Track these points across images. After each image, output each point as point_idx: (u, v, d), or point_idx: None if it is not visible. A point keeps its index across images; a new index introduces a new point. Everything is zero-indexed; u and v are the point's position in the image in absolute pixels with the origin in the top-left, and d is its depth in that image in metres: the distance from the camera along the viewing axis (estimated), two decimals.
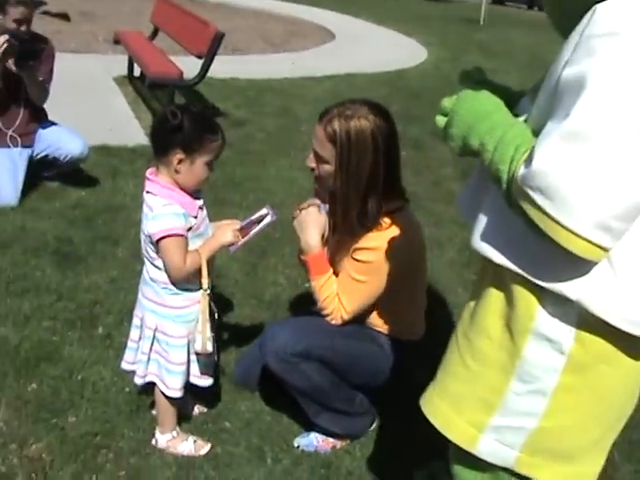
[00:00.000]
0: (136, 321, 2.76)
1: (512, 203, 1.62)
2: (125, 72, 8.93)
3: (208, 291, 2.61)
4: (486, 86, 1.85)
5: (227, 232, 2.65)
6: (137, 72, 8.59)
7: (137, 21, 12.58)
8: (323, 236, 2.79)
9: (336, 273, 2.77)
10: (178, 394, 2.73)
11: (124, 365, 2.83)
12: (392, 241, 2.61)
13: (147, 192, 2.58)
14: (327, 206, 2.80)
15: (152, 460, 2.78)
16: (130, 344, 2.80)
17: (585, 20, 1.52)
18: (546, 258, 1.64)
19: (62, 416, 2.95)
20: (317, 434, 2.95)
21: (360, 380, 2.83)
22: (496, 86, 1.89)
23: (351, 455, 2.93)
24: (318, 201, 2.80)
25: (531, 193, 1.51)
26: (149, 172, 2.60)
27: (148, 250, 2.61)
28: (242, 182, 5.68)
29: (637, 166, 1.44)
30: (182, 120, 2.48)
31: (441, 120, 1.86)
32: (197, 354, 2.69)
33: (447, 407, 1.98)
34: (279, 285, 4.18)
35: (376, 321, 2.81)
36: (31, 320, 3.58)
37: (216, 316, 2.72)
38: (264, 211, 2.73)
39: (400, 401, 2.97)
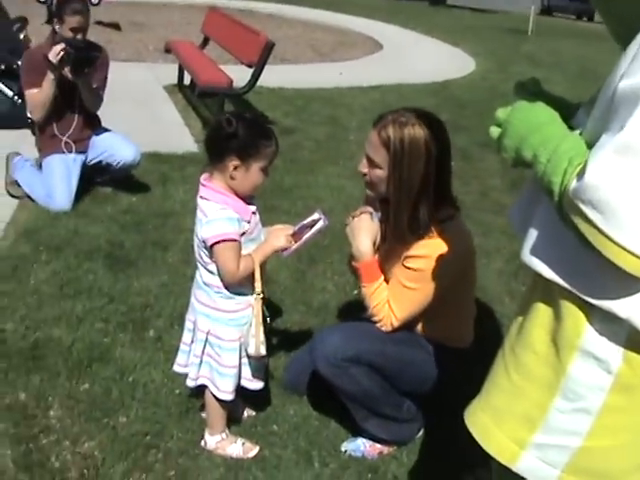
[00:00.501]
0: (189, 324, 2.80)
1: (564, 216, 1.60)
2: (175, 81, 9.05)
3: (261, 295, 2.64)
4: (541, 97, 1.84)
5: (280, 237, 2.68)
6: (187, 80, 8.70)
7: (187, 31, 12.77)
8: (374, 243, 2.80)
9: (387, 280, 2.78)
10: (229, 397, 2.76)
11: (176, 368, 2.87)
12: (443, 249, 2.62)
13: (201, 197, 2.62)
14: (379, 214, 2.81)
15: (200, 461, 2.81)
16: (182, 347, 2.83)
17: None
18: (597, 275, 1.62)
19: (113, 416, 3.00)
20: (364, 439, 2.96)
21: (409, 387, 2.84)
22: (552, 97, 1.87)
23: (398, 461, 2.93)
24: (370, 209, 2.82)
25: (582, 207, 1.49)
26: (203, 178, 2.64)
27: (202, 255, 2.65)
28: (291, 189, 5.73)
29: None
30: (237, 127, 2.52)
31: (495, 131, 1.84)
32: (249, 357, 2.72)
33: (489, 420, 1.95)
34: (328, 292, 4.20)
35: (425, 328, 2.82)
36: (84, 322, 3.65)
37: (268, 320, 2.74)
38: (316, 216, 2.75)
39: (446, 409, 2.97)
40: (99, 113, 5.34)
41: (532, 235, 1.78)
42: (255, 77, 7.13)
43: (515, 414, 1.87)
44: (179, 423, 3.00)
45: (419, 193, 2.60)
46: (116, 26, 14.46)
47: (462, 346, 2.89)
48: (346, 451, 2.95)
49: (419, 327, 2.83)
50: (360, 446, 2.95)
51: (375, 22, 20.17)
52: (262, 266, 2.66)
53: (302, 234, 2.73)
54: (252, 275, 2.63)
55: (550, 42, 18.06)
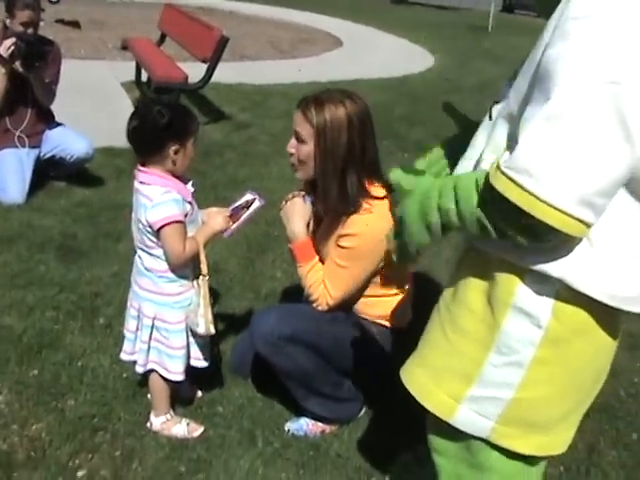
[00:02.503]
0: (132, 312, 2.86)
1: (498, 230, 1.66)
2: (133, 77, 9.08)
3: (207, 277, 2.73)
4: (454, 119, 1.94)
5: (219, 219, 2.77)
6: (145, 77, 8.73)
7: (146, 28, 12.76)
8: (308, 225, 2.90)
9: (324, 262, 2.87)
10: (180, 377, 2.84)
11: (123, 356, 2.94)
12: (373, 227, 2.70)
13: (141, 183, 2.68)
14: (312, 197, 2.90)
15: (146, 441, 2.89)
16: (128, 335, 2.89)
17: (562, 4, 1.59)
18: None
19: (61, 399, 3.07)
20: (307, 419, 3.05)
21: (346, 365, 2.92)
22: (460, 117, 1.98)
23: (339, 439, 3.02)
24: (303, 192, 2.91)
25: (516, 176, 1.55)
26: (138, 166, 2.71)
27: (145, 240, 2.71)
28: (244, 181, 5.80)
29: (613, 145, 1.50)
30: (169, 115, 2.60)
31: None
32: (198, 336, 2.81)
33: (426, 377, 2.02)
34: (276, 280, 4.29)
35: (362, 308, 2.91)
36: (34, 310, 3.71)
37: (211, 300, 2.83)
38: (249, 196, 2.85)
39: (388, 388, 3.06)
40: (55, 109, 5.38)
41: None
42: (210, 72, 7.20)
43: (452, 370, 1.95)
44: (126, 406, 3.07)
45: (345, 163, 2.68)
46: (76, 24, 14.41)
47: (401, 325, 2.97)
48: (289, 430, 3.03)
49: (356, 306, 2.91)
50: (303, 425, 3.04)
51: (336, 19, 20.25)
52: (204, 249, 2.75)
53: (239, 214, 2.82)
54: (196, 257, 2.71)
55: (510, 38, 18.22)
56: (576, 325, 1.78)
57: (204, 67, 7.38)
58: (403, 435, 2.94)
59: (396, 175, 1.88)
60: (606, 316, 1.77)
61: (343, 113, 2.65)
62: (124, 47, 9.69)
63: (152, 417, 2.96)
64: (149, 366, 2.86)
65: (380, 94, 9.47)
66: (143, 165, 2.69)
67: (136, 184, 2.70)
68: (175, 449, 2.87)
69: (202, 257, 2.71)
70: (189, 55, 8.36)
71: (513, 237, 1.64)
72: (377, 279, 2.84)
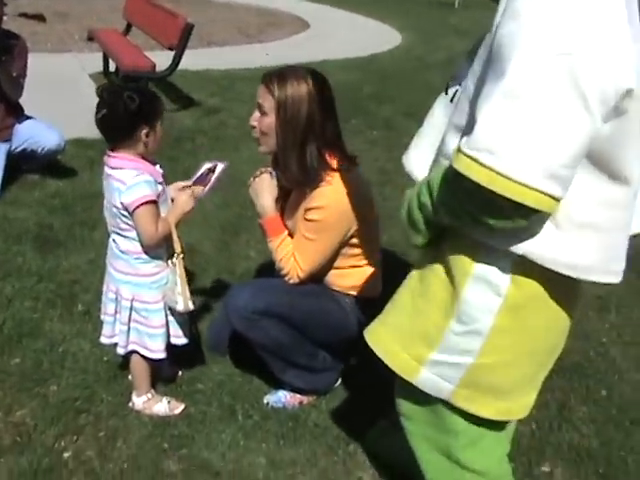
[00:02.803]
0: (110, 295, 2.91)
1: (470, 215, 1.72)
2: (101, 68, 9.07)
3: (182, 255, 2.80)
4: None
5: (188, 200, 2.83)
6: (113, 68, 8.73)
7: (112, 18, 12.71)
8: (278, 200, 2.97)
9: (294, 236, 2.95)
10: (162, 355, 2.92)
11: (103, 339, 2.99)
12: (337, 199, 2.78)
13: (112, 168, 2.73)
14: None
15: (129, 420, 2.97)
16: (107, 318, 2.95)
17: None
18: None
19: (44, 385, 3.14)
20: (285, 391, 3.13)
21: (320, 336, 3.00)
22: None
23: (317, 409, 3.12)
24: (270, 169, 2.99)
25: (478, 156, 1.58)
26: (108, 152, 2.76)
27: (119, 223, 2.77)
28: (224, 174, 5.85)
29: (572, 115, 1.53)
30: (138, 100, 2.66)
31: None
32: (178, 314, 2.89)
33: (391, 338, 2.10)
34: (251, 259, 4.37)
35: (333, 280, 2.99)
36: (13, 301, 3.77)
37: (188, 278, 2.89)
38: (208, 164, 2.95)
39: (362, 357, 3.15)
40: (24, 104, 5.39)
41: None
42: (177, 59, 7.23)
43: (416, 333, 2.03)
44: (108, 387, 3.15)
45: (304, 135, 2.75)
46: (41, 17, 14.30)
47: (372, 295, 3.04)
48: (268, 403, 3.12)
49: (328, 279, 2.99)
50: (281, 397, 3.13)
51: (303, 2, 20.20)
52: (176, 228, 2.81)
53: (207, 179, 2.89)
54: (169, 237, 2.78)
55: (476, 13, 18.24)
56: (534, 291, 1.85)
57: (171, 55, 7.39)
58: (379, 403, 3.00)
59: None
60: (563, 282, 1.82)
61: (304, 87, 2.72)
62: (90, 38, 9.68)
63: (134, 397, 3.03)
64: (130, 347, 2.92)
65: (348, 74, 9.53)
66: (112, 151, 2.75)
67: (107, 170, 2.75)
68: (158, 427, 2.94)
69: (174, 236, 2.77)
70: (156, 43, 8.37)
71: (485, 221, 1.67)
72: (346, 250, 2.91)
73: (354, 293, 3.01)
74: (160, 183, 2.79)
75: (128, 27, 9.50)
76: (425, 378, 2.02)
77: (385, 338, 2.12)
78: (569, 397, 3.30)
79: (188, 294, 2.80)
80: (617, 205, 1.74)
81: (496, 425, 2.10)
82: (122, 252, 2.83)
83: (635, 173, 1.71)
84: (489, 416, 2.03)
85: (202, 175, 2.93)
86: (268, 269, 4.12)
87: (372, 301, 3.03)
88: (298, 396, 3.13)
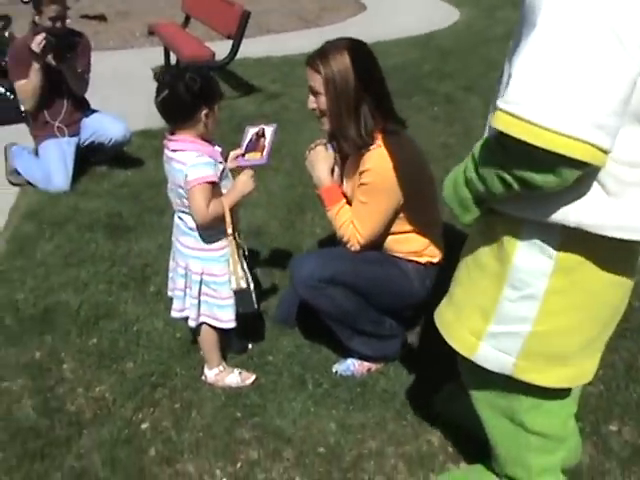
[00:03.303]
0: (180, 270, 3.00)
1: (519, 180, 1.66)
2: (162, 62, 9.22)
3: (232, 236, 2.86)
4: None
5: (247, 181, 2.88)
6: (174, 60, 8.87)
7: (171, 13, 12.87)
8: (333, 171, 3.04)
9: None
10: (232, 324, 3.01)
11: (174, 313, 3.10)
12: (387, 160, 2.82)
13: (173, 150, 2.82)
14: (334, 144, 3.04)
15: (203, 393, 3.08)
16: (177, 293, 3.05)
17: None
18: (542, 198, 1.72)
19: (121, 362, 3.28)
20: (353, 359, 3.20)
21: (385, 302, 3.06)
22: None
23: (385, 376, 3.18)
24: (324, 140, 3.05)
25: (521, 113, 1.53)
26: (168, 136, 2.86)
27: (186, 202, 2.85)
28: (279, 148, 5.91)
29: (613, 60, 1.48)
30: (199, 81, 2.75)
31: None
32: (234, 292, 2.96)
33: (451, 314, 2.13)
34: (316, 235, 4.43)
35: (393, 245, 3.03)
36: (89, 285, 3.92)
37: (246, 253, 2.99)
38: (254, 129, 3.00)
39: (429, 323, 3.18)
40: (91, 100, 5.57)
41: None
42: (235, 47, 7.31)
43: (471, 306, 2.04)
44: (181, 362, 3.26)
45: (356, 101, 2.80)
46: (102, 17, 14.60)
47: (434, 260, 3.08)
48: (337, 372, 3.19)
49: (388, 245, 3.04)
50: (350, 366, 3.20)
51: None
52: (233, 209, 2.87)
53: (260, 144, 2.94)
54: (224, 218, 2.85)
55: None
56: (585, 254, 1.82)
57: (230, 43, 7.48)
58: (446, 368, 3.02)
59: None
60: (615, 245, 1.78)
61: (346, 57, 2.78)
62: (150, 33, 9.84)
63: (206, 370, 3.14)
64: (201, 319, 3.02)
65: (408, 52, 9.52)
66: (172, 134, 2.84)
67: (168, 153, 2.85)
68: (230, 397, 3.04)
69: (227, 219, 2.83)
70: (215, 34, 8.47)
71: (534, 182, 1.62)
72: (402, 215, 2.95)
73: (416, 258, 3.05)
74: (220, 162, 2.87)
75: (187, 19, 9.62)
76: (484, 353, 2.03)
77: (446, 315, 2.15)
78: (636, 357, 3.28)
79: (241, 273, 2.88)
80: None
81: (560, 390, 2.09)
82: (190, 229, 2.92)
83: None
84: (554, 385, 2.02)
85: (251, 141, 2.98)
86: (333, 244, 4.21)
87: (435, 266, 3.08)
88: (366, 364, 3.19)
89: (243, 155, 2.96)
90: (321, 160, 3.03)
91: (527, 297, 1.91)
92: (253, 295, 3.06)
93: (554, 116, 1.50)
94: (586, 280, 1.87)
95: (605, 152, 1.54)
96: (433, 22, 12.63)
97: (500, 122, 1.58)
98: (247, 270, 2.95)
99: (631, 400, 3.02)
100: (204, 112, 2.78)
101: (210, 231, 2.89)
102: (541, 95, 1.51)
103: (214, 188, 2.82)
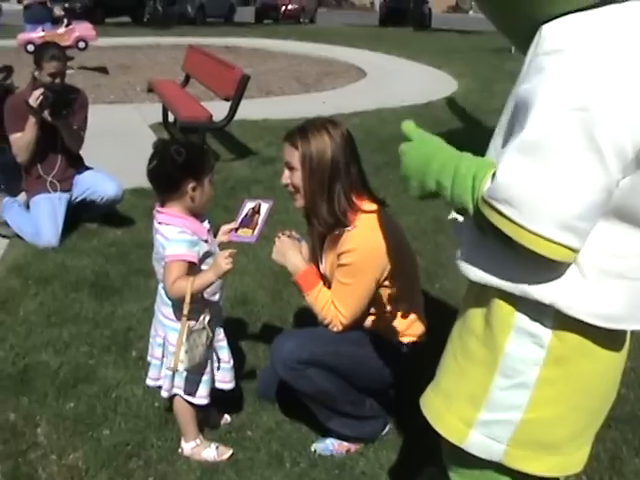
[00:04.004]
0: (158, 340, 2.97)
1: (482, 227, 1.75)
2: (160, 119, 9.31)
3: (185, 318, 2.76)
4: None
5: (227, 261, 2.75)
6: (171, 118, 8.96)
7: (172, 70, 13.06)
8: (312, 254, 3.11)
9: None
10: (205, 401, 2.97)
11: (149, 381, 3.06)
12: (368, 241, 2.84)
13: (159, 223, 2.83)
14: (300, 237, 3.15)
15: (178, 466, 3.02)
16: (154, 361, 3.01)
17: (535, 40, 1.69)
18: (519, 270, 1.76)
19: (97, 429, 3.22)
20: (333, 439, 3.15)
21: (366, 383, 3.03)
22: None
23: (365, 457, 3.12)
24: (287, 232, 3.14)
25: (498, 205, 1.63)
26: (157, 206, 2.86)
27: None
28: (270, 215, 5.93)
29: (587, 169, 1.56)
30: (185, 154, 2.74)
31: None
32: (223, 361, 2.99)
33: (439, 402, 2.08)
34: (303, 308, 4.41)
35: (375, 325, 3.02)
36: (70, 346, 3.88)
37: (210, 335, 2.87)
38: (251, 204, 2.95)
39: (411, 404, 3.14)
40: (86, 153, 5.61)
41: (463, 241, 1.93)
42: (233, 110, 7.39)
43: (461, 395, 2.01)
44: (158, 433, 3.20)
45: (330, 179, 2.82)
46: (103, 70, 14.79)
47: (415, 339, 3.06)
48: (315, 451, 3.14)
49: (369, 324, 3.02)
50: (329, 445, 3.15)
51: (359, 50, 20.52)
52: (193, 292, 2.76)
53: (254, 221, 2.90)
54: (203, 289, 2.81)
55: None
56: (577, 343, 1.82)
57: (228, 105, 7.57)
58: (428, 450, 2.99)
59: (406, 125, 1.96)
60: (606, 332, 1.80)
61: (325, 136, 2.81)
62: (150, 90, 9.95)
63: (183, 443, 3.08)
64: (174, 391, 2.98)
65: (403, 120, 9.60)
66: (162, 205, 2.84)
67: (155, 224, 2.85)
68: (206, 472, 2.98)
69: (187, 299, 2.75)
70: (214, 95, 8.59)
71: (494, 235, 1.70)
72: (383, 293, 2.95)
73: (397, 337, 3.03)
74: (205, 240, 2.85)
75: (187, 78, 9.75)
76: (475, 441, 1.99)
77: (433, 402, 2.11)
78: (621, 449, 3.23)
79: (182, 356, 2.75)
80: None
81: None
82: (170, 300, 2.89)
83: None
84: (543, 473, 1.98)
85: (247, 216, 2.97)
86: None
87: (417, 345, 3.06)
88: (345, 444, 3.15)
89: (236, 230, 2.94)
90: (289, 248, 3.06)
91: (519, 385, 1.89)
92: (232, 371, 3.06)
93: (525, 215, 1.60)
94: (578, 370, 1.87)
95: (572, 250, 1.63)
96: (431, 92, 12.84)
97: (485, 210, 1.68)
98: (198, 356, 2.81)
99: None
100: (190, 185, 2.77)
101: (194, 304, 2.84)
102: (517, 196, 1.60)
103: (192, 267, 2.79)
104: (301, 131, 2.85)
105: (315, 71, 16.36)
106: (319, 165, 2.81)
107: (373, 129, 8.89)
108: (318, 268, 3.09)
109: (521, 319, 1.84)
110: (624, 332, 1.88)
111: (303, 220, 3.16)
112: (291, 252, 3.05)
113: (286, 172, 2.91)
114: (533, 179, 1.59)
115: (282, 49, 20.95)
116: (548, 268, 1.71)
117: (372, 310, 2.99)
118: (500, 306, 1.87)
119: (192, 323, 2.79)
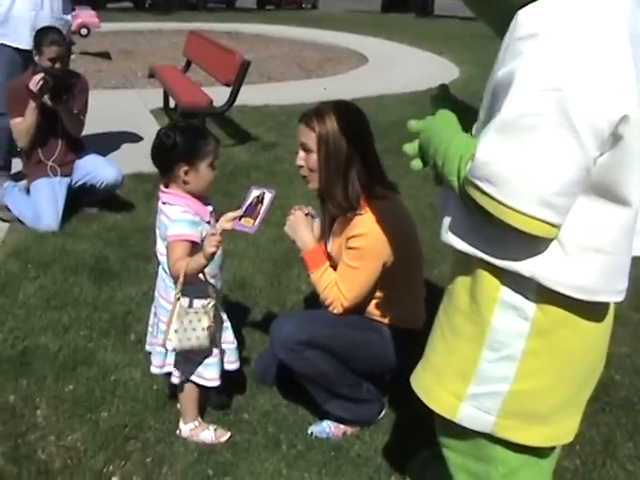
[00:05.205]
0: (162, 326, 2.93)
1: (468, 204, 1.81)
2: (161, 104, 9.31)
3: (179, 296, 2.77)
4: (447, 103, 2.07)
5: (210, 244, 2.69)
6: (172, 104, 8.96)
7: (174, 56, 13.06)
8: (322, 233, 3.11)
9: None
10: (217, 382, 3.00)
11: (154, 370, 3.05)
12: (380, 226, 2.85)
13: (163, 203, 2.85)
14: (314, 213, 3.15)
15: (176, 447, 3.04)
16: (158, 349, 3.00)
17: (511, 26, 1.72)
18: (501, 242, 1.83)
19: (95, 411, 3.24)
20: (330, 421, 3.17)
21: (363, 367, 3.05)
22: (458, 103, 2.10)
23: (361, 440, 3.15)
24: (303, 207, 3.16)
25: (479, 183, 1.71)
26: (162, 186, 2.88)
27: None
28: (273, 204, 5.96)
29: (563, 147, 1.62)
30: (175, 137, 2.76)
31: (409, 147, 2.05)
32: (228, 341, 3.03)
33: (429, 379, 2.13)
34: (301, 292, 4.43)
35: (376, 310, 3.04)
36: (69, 330, 3.90)
37: (212, 320, 2.85)
38: (256, 192, 2.87)
39: (408, 389, 3.16)
40: (88, 138, 5.62)
41: (447, 215, 1.98)
42: (233, 95, 7.40)
43: (451, 370, 2.06)
44: (156, 415, 3.23)
45: (346, 163, 2.84)
46: (106, 55, 14.78)
47: (414, 327, 3.07)
48: (312, 433, 3.16)
49: (370, 309, 3.04)
50: (325, 428, 3.17)
51: (361, 37, 20.47)
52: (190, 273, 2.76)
53: (256, 210, 2.87)
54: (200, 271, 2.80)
55: None
56: (560, 315, 1.88)
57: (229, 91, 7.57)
58: (423, 435, 2.99)
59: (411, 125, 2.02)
60: (587, 305, 1.85)
61: (342, 119, 2.82)
62: (151, 75, 9.95)
63: (181, 424, 3.11)
64: (185, 376, 3.00)
65: (405, 108, 9.62)
66: (166, 186, 2.86)
67: (159, 204, 2.87)
68: (203, 454, 3.01)
69: (181, 279, 2.75)
70: (215, 80, 8.59)
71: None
72: (388, 279, 2.96)
73: (397, 324, 3.05)
74: (208, 222, 2.87)
75: (188, 64, 9.74)
76: (466, 414, 2.04)
77: (424, 379, 2.16)
78: (615, 433, 3.26)
79: (171, 334, 2.77)
80: (620, 228, 1.79)
81: (538, 454, 2.09)
82: (172, 283, 2.89)
83: (636, 195, 1.76)
84: (533, 443, 2.04)
85: (251, 204, 2.95)
86: (318, 302, 4.21)
87: (414, 332, 3.07)
88: (342, 427, 3.17)
89: (240, 218, 2.91)
90: (301, 223, 3.08)
91: (505, 357, 1.94)
92: (236, 352, 3.08)
93: (506, 192, 1.67)
94: (563, 341, 1.92)
95: (553, 226, 1.70)
96: (433, 78, 12.75)
97: (468, 188, 1.75)
98: (194, 339, 2.81)
99: (607, 477, 2.99)
100: (183, 169, 2.78)
101: (189, 287, 2.85)
102: (498, 174, 1.67)
103: (195, 247, 2.80)
104: (318, 113, 2.86)
105: (316, 57, 16.34)
106: (336, 149, 2.83)
107: (374, 115, 8.72)
108: (326, 247, 3.11)
109: (506, 293, 1.90)
110: (606, 304, 1.94)
111: (301, 204, 3.18)
112: (303, 228, 3.08)
113: (301, 153, 2.92)
114: (511, 157, 1.65)
115: (284, 35, 20.92)
116: (530, 242, 1.76)
117: (373, 295, 3.01)
118: (485, 281, 1.93)
119: (187, 305, 2.81)
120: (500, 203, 1.68)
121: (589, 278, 1.81)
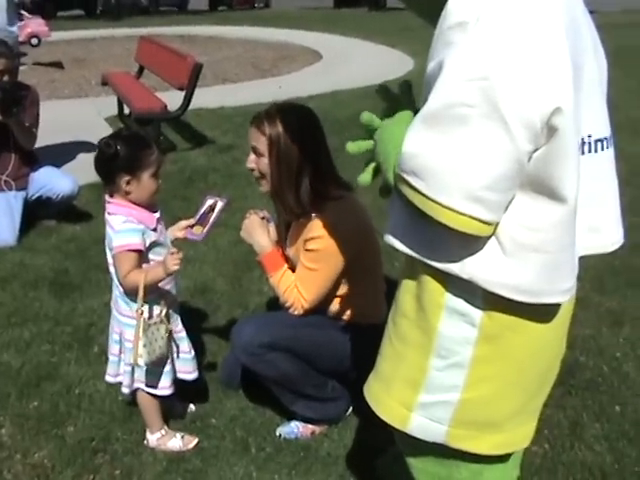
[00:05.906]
0: (115, 337, 2.98)
1: (403, 200, 1.72)
2: (116, 112, 9.24)
3: (140, 311, 2.77)
4: (401, 100, 2.04)
5: (172, 263, 2.72)
6: (127, 111, 8.90)
7: (127, 62, 12.95)
8: (278, 236, 3.09)
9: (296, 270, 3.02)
10: (168, 391, 2.98)
11: (108, 378, 3.07)
12: (335, 227, 2.84)
13: (108, 213, 2.83)
14: (273, 217, 3.13)
15: (144, 458, 3.03)
16: (112, 358, 3.02)
17: (442, 15, 1.66)
18: (438, 243, 1.75)
19: (61, 427, 3.22)
20: (297, 422, 3.18)
21: (327, 366, 3.05)
22: (412, 101, 2.07)
23: (329, 438, 3.15)
24: (258, 210, 3.14)
25: (406, 177, 1.63)
26: (107, 197, 2.85)
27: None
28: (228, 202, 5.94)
29: (491, 139, 1.54)
30: (116, 147, 2.72)
31: (356, 146, 2.03)
32: (182, 351, 3.00)
33: (379, 388, 2.09)
34: (263, 294, 4.43)
35: (336, 308, 3.04)
36: (31, 345, 3.87)
37: (169, 327, 2.89)
38: (210, 201, 2.96)
39: None
40: (43, 149, 5.58)
41: (391, 216, 1.92)
42: (187, 99, 7.36)
43: (400, 378, 2.00)
44: (123, 426, 3.21)
45: (298, 166, 2.82)
46: (58, 64, 14.62)
47: (376, 322, 3.02)
48: (280, 435, 3.16)
49: (330, 307, 3.04)
50: (293, 429, 3.17)
51: (315, 33, 20.47)
52: (150, 284, 2.78)
53: (206, 219, 2.91)
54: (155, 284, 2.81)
55: None
56: (507, 320, 1.81)
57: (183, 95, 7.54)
58: (390, 431, 3.05)
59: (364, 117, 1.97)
60: (534, 308, 1.78)
61: (294, 122, 2.82)
62: (104, 83, 9.88)
63: (148, 434, 3.09)
64: (135, 385, 2.99)
65: (360, 102, 9.58)
66: (111, 196, 2.83)
67: (105, 215, 2.85)
68: (172, 462, 3.00)
69: (140, 293, 2.75)
70: (169, 85, 8.55)
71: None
72: (347, 278, 2.97)
73: (358, 320, 3.05)
74: (154, 229, 2.85)
75: (141, 70, 9.68)
76: (417, 424, 1.99)
77: (375, 389, 2.12)
78: (582, 415, 3.29)
79: (141, 350, 2.77)
80: (558, 225, 1.71)
81: (498, 457, 2.05)
82: (124, 295, 2.89)
83: (573, 191, 1.68)
84: (488, 452, 1.99)
85: (204, 213, 2.97)
86: (279, 304, 4.21)
87: (376, 327, 3.07)
88: (310, 426, 3.17)
89: (192, 226, 2.94)
90: (257, 227, 3.07)
91: (454, 365, 1.90)
92: (194, 361, 3.08)
93: (434, 187, 1.59)
94: (511, 348, 1.87)
95: (485, 223, 1.61)
96: (387, 72, 12.84)
97: (398, 182, 1.69)
98: (158, 349, 2.82)
99: (576, 459, 3.01)
100: (124, 179, 2.74)
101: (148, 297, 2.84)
102: (424, 168, 1.60)
103: (140, 256, 2.79)
104: (268, 116, 2.83)
105: (271, 56, 16.32)
106: (287, 152, 2.80)
107: (329, 112, 8.81)
108: (284, 250, 3.10)
109: (451, 299, 1.84)
110: (555, 306, 1.85)
111: (261, 208, 3.17)
112: (259, 231, 3.06)
113: (252, 156, 2.91)
114: (437, 150, 1.58)
115: (237, 35, 20.87)
116: (466, 242, 1.69)
117: (334, 294, 3.01)
118: (430, 286, 1.86)
119: (147, 317, 2.80)
120: (428, 198, 1.60)
121: (529, 279, 1.73)
